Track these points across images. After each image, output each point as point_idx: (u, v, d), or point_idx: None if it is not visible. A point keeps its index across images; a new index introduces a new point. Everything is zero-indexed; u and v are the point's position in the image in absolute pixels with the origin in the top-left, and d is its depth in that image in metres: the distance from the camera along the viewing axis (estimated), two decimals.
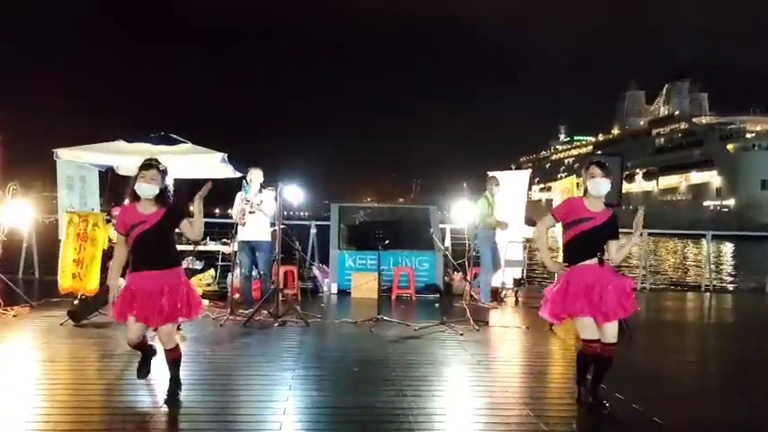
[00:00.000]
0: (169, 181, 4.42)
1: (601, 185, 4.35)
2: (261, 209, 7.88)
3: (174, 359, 4.36)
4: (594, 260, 4.23)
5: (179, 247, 9.79)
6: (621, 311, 4.25)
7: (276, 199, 7.75)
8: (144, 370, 4.55)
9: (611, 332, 4.24)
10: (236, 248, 8.18)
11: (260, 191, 7.99)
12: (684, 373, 5.84)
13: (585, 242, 4.26)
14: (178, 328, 6.66)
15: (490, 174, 9.78)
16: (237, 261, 8.26)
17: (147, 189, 4.20)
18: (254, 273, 8.33)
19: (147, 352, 4.54)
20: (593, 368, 4.39)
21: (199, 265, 9.64)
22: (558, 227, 4.57)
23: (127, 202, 4.34)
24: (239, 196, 8.02)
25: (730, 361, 6.51)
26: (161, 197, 4.26)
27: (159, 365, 4.53)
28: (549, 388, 4.68)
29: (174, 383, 4.37)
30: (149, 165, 4.27)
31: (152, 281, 4.16)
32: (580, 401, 4.44)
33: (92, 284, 7.53)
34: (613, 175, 7.54)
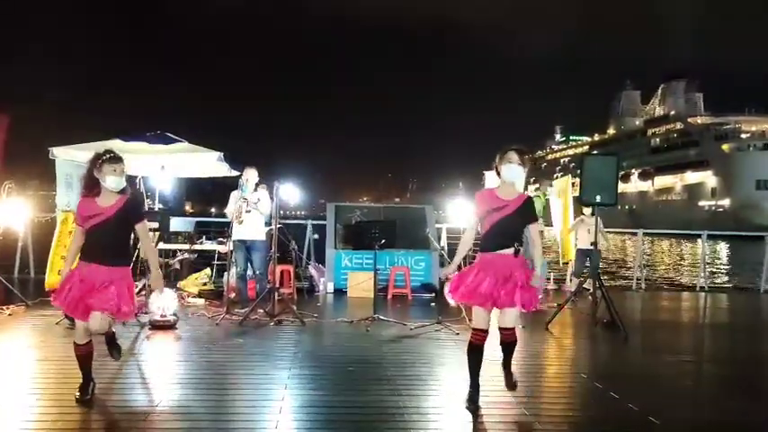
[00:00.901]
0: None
1: (513, 171, 4.28)
2: (257, 207, 7.88)
3: (83, 353, 4.20)
4: (510, 250, 4.23)
5: (175, 246, 9.85)
6: (509, 301, 4.18)
7: (272, 198, 7.76)
8: (87, 391, 4.23)
9: (508, 317, 4.27)
10: (231, 247, 8.18)
11: (255, 189, 7.99)
12: (679, 372, 5.86)
13: (500, 231, 4.25)
14: (174, 328, 6.70)
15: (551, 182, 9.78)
16: (233, 260, 8.26)
17: (116, 182, 4.13)
18: (249, 272, 8.33)
19: (86, 373, 4.27)
20: (502, 354, 4.45)
21: (183, 255, 9.57)
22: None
23: (83, 192, 4.20)
24: (234, 195, 8.02)
25: (725, 360, 6.54)
26: (122, 190, 4.20)
27: (158, 365, 4.52)
28: (545, 387, 4.70)
29: (85, 380, 4.23)
30: (118, 158, 4.18)
31: (97, 274, 4.07)
32: (472, 402, 4.31)
33: None
34: (610, 176, 7.68)
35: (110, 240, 4.14)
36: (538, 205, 8.71)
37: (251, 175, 8.03)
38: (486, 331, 4.30)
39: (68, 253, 4.32)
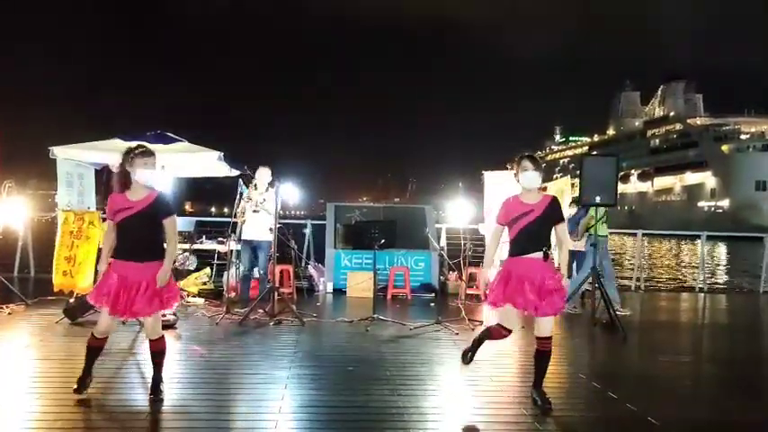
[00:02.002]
0: (167, 176, 4.41)
1: (531, 178, 4.40)
2: (264, 207, 7.87)
3: (156, 350, 4.30)
4: (539, 254, 4.29)
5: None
6: (551, 309, 4.26)
7: (275, 198, 7.75)
8: (84, 384, 4.29)
9: (545, 326, 4.32)
10: (232, 247, 8.17)
11: (267, 189, 8.00)
12: (679, 373, 5.87)
13: (527, 236, 4.32)
14: (174, 327, 6.70)
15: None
16: (234, 260, 8.26)
17: (149, 176, 4.16)
18: (254, 271, 8.33)
19: (88, 365, 4.32)
20: (535, 366, 4.47)
21: (192, 264, 9.60)
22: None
23: (116, 189, 4.20)
24: (243, 194, 7.99)
25: (724, 361, 6.55)
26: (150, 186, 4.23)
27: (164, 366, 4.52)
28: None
29: (158, 379, 4.32)
30: (149, 151, 4.21)
31: (133, 272, 4.11)
32: (467, 359, 4.65)
33: (83, 282, 7.53)
34: (609, 176, 7.68)
35: (141, 235, 4.17)
36: (600, 209, 8.43)
37: (263, 175, 8.02)
38: (510, 331, 4.45)
39: (103, 248, 4.35)
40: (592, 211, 8.30)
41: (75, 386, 4.25)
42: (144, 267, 4.14)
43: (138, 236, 4.16)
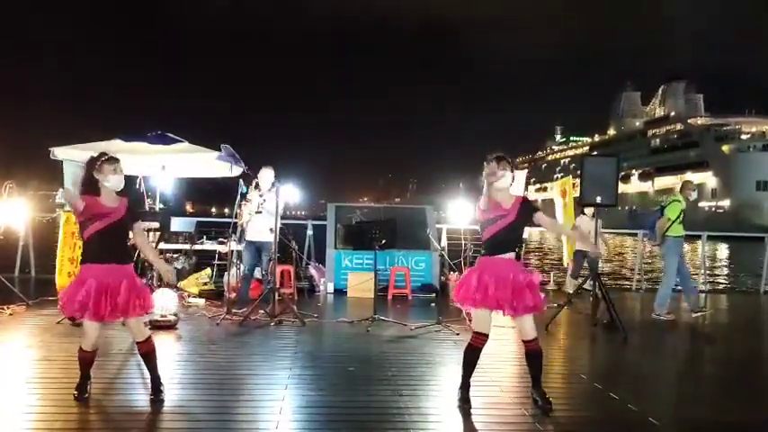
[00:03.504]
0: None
1: (506, 180, 4.38)
2: (264, 208, 7.85)
3: (145, 352, 4.30)
4: (511, 254, 4.32)
5: (174, 246, 9.85)
6: (524, 307, 4.23)
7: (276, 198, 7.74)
8: (84, 389, 4.30)
9: (527, 328, 4.30)
10: (233, 247, 8.17)
11: (269, 190, 7.99)
12: (679, 373, 5.87)
13: (503, 238, 4.32)
14: (175, 328, 6.71)
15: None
16: (234, 260, 8.25)
17: (117, 181, 4.22)
18: (256, 272, 8.32)
19: (85, 373, 4.33)
20: (529, 368, 4.44)
21: (180, 264, 9.55)
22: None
23: (83, 191, 4.18)
24: (254, 197, 7.98)
25: (725, 362, 6.55)
26: (121, 191, 4.30)
27: (158, 365, 4.52)
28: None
29: (156, 380, 4.32)
30: (115, 158, 4.27)
31: (112, 275, 4.12)
32: (466, 401, 4.37)
33: None
34: (610, 176, 7.68)
35: (120, 239, 4.26)
36: (675, 211, 8.34)
37: (266, 175, 7.99)
38: (487, 336, 4.36)
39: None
40: (669, 212, 8.29)
41: (75, 392, 4.25)
42: (122, 269, 4.19)
43: (119, 241, 4.25)
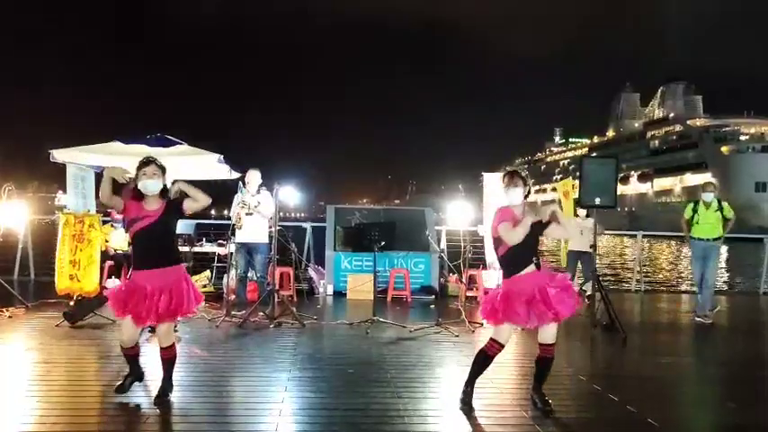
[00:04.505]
0: (167, 179, 4.43)
1: (518, 194, 4.29)
2: (258, 210, 7.87)
3: (168, 358, 4.37)
4: (532, 267, 4.24)
5: None
6: (567, 309, 4.19)
7: (274, 200, 7.74)
8: (124, 384, 4.42)
9: (550, 333, 4.28)
10: (232, 249, 8.17)
11: (258, 192, 7.99)
12: (679, 374, 5.87)
13: (522, 252, 4.21)
14: (174, 330, 6.70)
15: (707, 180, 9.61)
16: (233, 262, 8.26)
17: (151, 185, 4.22)
18: (250, 274, 8.32)
19: (135, 368, 4.47)
20: (536, 370, 4.43)
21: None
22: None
23: (127, 198, 4.28)
24: (237, 198, 8.01)
25: (724, 362, 6.55)
26: (163, 194, 4.29)
27: (158, 367, 4.53)
28: (544, 389, 4.69)
29: (166, 384, 4.36)
30: (148, 161, 4.29)
31: (155, 280, 4.17)
32: (466, 403, 4.37)
33: (89, 285, 7.53)
34: (609, 178, 7.68)
35: (159, 242, 4.25)
36: (687, 211, 8.54)
37: (253, 177, 8.02)
38: (503, 346, 4.36)
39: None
40: (684, 213, 8.40)
41: (119, 383, 4.39)
42: (164, 273, 4.21)
43: (159, 243, 4.25)
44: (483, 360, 4.42)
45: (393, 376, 5.22)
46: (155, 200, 4.25)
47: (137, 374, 4.49)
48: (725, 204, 8.49)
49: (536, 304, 4.15)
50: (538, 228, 4.28)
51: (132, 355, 4.42)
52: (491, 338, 4.38)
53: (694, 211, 8.47)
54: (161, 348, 4.35)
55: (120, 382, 4.41)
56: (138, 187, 4.22)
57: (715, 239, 8.41)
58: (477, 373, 4.45)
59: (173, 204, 4.29)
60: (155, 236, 4.21)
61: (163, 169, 4.34)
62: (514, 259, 4.26)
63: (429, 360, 5.88)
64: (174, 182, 4.40)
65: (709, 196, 8.45)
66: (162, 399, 4.29)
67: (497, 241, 4.30)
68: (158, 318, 4.18)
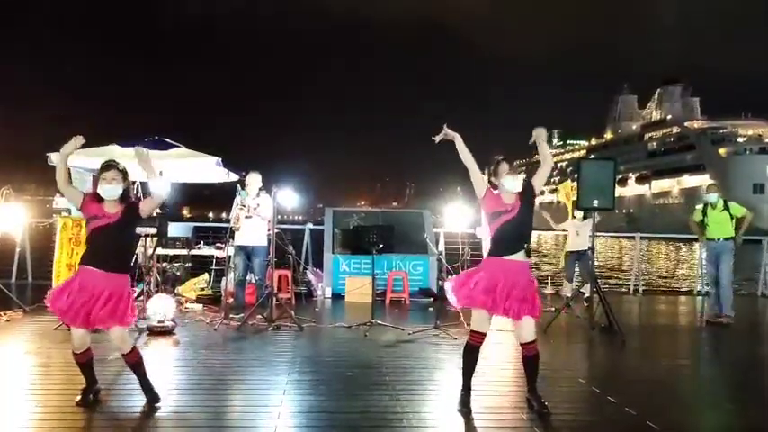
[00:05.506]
0: (130, 183, 4.41)
1: (518, 181, 4.37)
2: (258, 213, 7.86)
3: (132, 362, 4.30)
4: (521, 254, 4.30)
5: (172, 252, 9.82)
6: (526, 312, 4.24)
7: (273, 203, 7.74)
8: (85, 398, 4.29)
9: (528, 331, 4.30)
10: (230, 253, 8.17)
11: (258, 195, 7.99)
12: (678, 376, 5.87)
13: (508, 235, 4.31)
14: (172, 333, 6.69)
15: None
16: (232, 265, 8.25)
17: (109, 190, 4.20)
18: (249, 277, 8.31)
19: (89, 377, 4.35)
20: (525, 372, 4.45)
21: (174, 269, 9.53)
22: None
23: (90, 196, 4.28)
24: (236, 200, 8.00)
25: (724, 364, 6.56)
26: (124, 198, 4.27)
27: (156, 370, 4.53)
28: (542, 391, 4.69)
29: (147, 393, 4.30)
30: (108, 166, 4.27)
31: (99, 282, 4.12)
32: (465, 405, 4.38)
33: None
34: (607, 180, 7.69)
35: (112, 246, 4.20)
36: (696, 213, 8.66)
37: (254, 180, 8.01)
38: (485, 334, 4.38)
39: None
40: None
41: (79, 397, 4.25)
42: (107, 277, 4.15)
43: (112, 246, 4.19)
44: (469, 353, 4.43)
45: (392, 379, 5.21)
46: (113, 204, 4.23)
47: (92, 385, 4.34)
48: (732, 204, 8.57)
49: (510, 294, 4.20)
50: (531, 201, 4.37)
51: (84, 362, 4.29)
52: (470, 330, 4.42)
53: (704, 213, 8.57)
54: (122, 355, 4.30)
55: (79, 397, 4.27)
56: (99, 191, 4.21)
57: (726, 239, 8.49)
58: (469, 370, 4.45)
59: (129, 209, 4.27)
60: (110, 238, 4.18)
61: (124, 174, 4.29)
62: (504, 242, 4.32)
63: (427, 363, 5.88)
64: (136, 149, 4.38)
65: (712, 197, 8.55)
66: (152, 401, 4.25)
67: (489, 217, 4.40)
68: (90, 324, 4.12)
